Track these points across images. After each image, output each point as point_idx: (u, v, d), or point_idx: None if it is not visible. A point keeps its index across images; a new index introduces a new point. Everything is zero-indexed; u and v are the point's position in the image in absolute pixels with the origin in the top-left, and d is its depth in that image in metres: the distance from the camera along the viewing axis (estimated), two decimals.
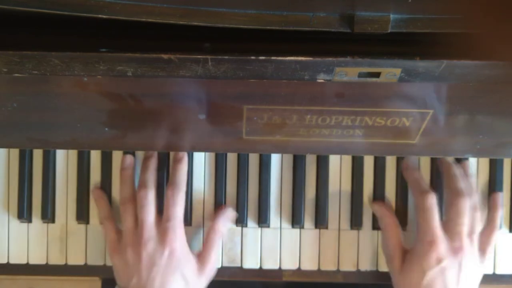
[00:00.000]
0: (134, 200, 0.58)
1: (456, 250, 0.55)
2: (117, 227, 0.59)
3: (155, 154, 0.60)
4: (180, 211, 0.57)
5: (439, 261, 0.54)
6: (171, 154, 0.61)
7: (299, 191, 0.62)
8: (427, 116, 0.51)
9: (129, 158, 0.60)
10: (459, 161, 0.62)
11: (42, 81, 0.47)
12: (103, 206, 0.60)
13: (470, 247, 0.56)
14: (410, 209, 0.62)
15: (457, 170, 0.60)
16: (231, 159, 0.62)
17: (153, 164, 0.60)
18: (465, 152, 0.56)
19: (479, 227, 0.58)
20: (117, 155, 0.61)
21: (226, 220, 0.60)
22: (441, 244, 0.55)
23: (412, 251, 0.57)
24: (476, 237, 0.57)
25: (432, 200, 0.57)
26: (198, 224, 0.62)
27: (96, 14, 0.40)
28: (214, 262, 0.59)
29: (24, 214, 0.61)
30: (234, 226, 0.62)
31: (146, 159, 0.60)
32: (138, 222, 0.57)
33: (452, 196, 0.58)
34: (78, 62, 0.42)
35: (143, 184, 0.58)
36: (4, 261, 0.61)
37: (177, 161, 0.59)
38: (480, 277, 0.58)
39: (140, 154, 0.61)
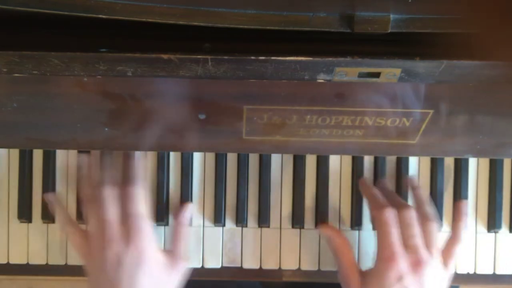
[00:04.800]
0: (95, 199, 0.56)
1: (415, 264, 0.53)
2: (80, 230, 0.57)
3: (113, 152, 0.58)
4: (140, 207, 0.55)
5: (399, 278, 0.52)
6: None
7: (299, 191, 0.62)
8: (427, 116, 0.51)
9: (84, 157, 0.59)
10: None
11: (42, 81, 0.47)
12: (61, 210, 0.59)
13: (429, 259, 0.53)
14: None
15: (423, 193, 0.59)
16: (231, 159, 0.62)
17: (111, 161, 0.58)
18: (465, 152, 0.56)
19: (436, 239, 0.55)
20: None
21: (187, 213, 0.60)
22: (400, 260, 0.52)
23: (372, 271, 0.55)
24: (435, 250, 0.55)
25: (389, 214, 0.54)
26: (198, 224, 0.62)
27: (96, 14, 0.40)
28: (184, 255, 0.57)
29: (24, 214, 0.61)
30: (234, 226, 0.62)
31: (103, 157, 0.58)
32: (101, 223, 0.55)
33: (397, 211, 0.56)
34: (78, 62, 0.42)
35: (101, 182, 0.56)
36: (4, 261, 0.61)
37: (128, 157, 0.58)
38: (447, 283, 0.56)
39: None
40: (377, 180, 0.62)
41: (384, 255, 0.53)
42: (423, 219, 0.56)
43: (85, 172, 0.59)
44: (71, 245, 0.59)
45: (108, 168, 0.58)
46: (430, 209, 0.57)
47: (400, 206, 0.56)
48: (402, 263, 0.52)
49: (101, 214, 0.54)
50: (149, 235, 0.55)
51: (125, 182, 0.57)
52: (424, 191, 0.61)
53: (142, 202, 0.56)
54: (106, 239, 0.53)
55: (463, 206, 0.60)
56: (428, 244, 0.55)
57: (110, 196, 0.55)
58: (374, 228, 0.62)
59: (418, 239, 0.54)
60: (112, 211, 0.55)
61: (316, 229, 0.62)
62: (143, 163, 0.59)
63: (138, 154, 0.59)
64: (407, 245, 0.54)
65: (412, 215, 0.55)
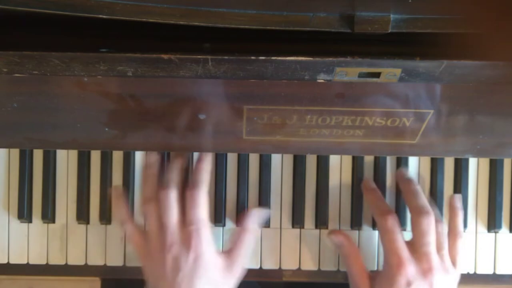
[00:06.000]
0: (157, 200, 0.56)
1: (425, 271, 0.53)
2: (140, 230, 0.58)
3: (183, 154, 0.59)
4: (202, 212, 0.55)
5: (408, 284, 0.52)
6: (196, 154, 0.60)
7: (299, 191, 0.62)
8: (427, 116, 0.51)
9: (153, 156, 0.59)
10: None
11: (42, 81, 0.47)
12: (122, 207, 0.59)
13: (440, 264, 0.54)
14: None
15: (416, 185, 0.58)
16: (231, 159, 0.62)
17: (178, 163, 0.58)
18: (465, 152, 0.56)
19: (446, 240, 0.56)
20: (118, 155, 0.61)
21: (257, 219, 0.59)
22: (409, 267, 0.53)
23: (380, 276, 0.56)
24: (445, 252, 0.55)
25: (393, 221, 0.55)
26: None
27: (96, 14, 0.40)
28: (243, 260, 0.57)
29: (24, 214, 0.61)
30: (234, 226, 0.62)
31: (172, 158, 0.58)
32: (162, 226, 0.55)
33: (414, 215, 0.56)
34: (78, 62, 0.42)
35: (165, 184, 0.56)
36: (4, 261, 0.61)
37: (199, 160, 0.58)
38: (455, 284, 0.56)
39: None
40: (399, 169, 0.61)
41: (391, 261, 0.54)
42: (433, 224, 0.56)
43: (153, 171, 0.58)
44: (129, 243, 0.60)
45: (174, 170, 0.58)
46: (434, 208, 0.57)
47: (419, 212, 0.56)
48: (410, 268, 0.53)
49: (163, 216, 0.55)
50: (209, 240, 0.55)
51: (190, 185, 0.56)
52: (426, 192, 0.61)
53: (204, 207, 0.56)
54: (166, 242, 0.54)
55: (455, 201, 0.60)
56: (438, 247, 0.55)
57: (173, 199, 0.55)
58: (374, 228, 0.62)
59: (431, 247, 0.54)
60: (174, 214, 0.55)
61: (317, 229, 0.62)
62: (209, 167, 0.59)
63: (209, 159, 0.59)
64: (420, 252, 0.54)
65: (430, 222, 0.55)
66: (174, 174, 0.57)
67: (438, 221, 0.56)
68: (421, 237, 0.55)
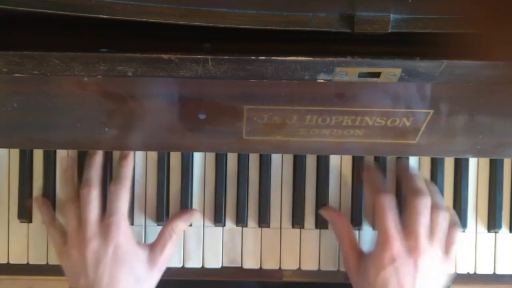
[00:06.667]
0: (77, 199, 0.57)
1: (411, 249, 0.53)
2: (61, 229, 0.58)
3: (100, 152, 0.59)
4: (123, 206, 0.56)
5: (392, 260, 0.53)
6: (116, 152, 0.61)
7: (299, 191, 0.62)
8: (427, 116, 0.51)
9: (70, 159, 0.60)
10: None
11: (42, 81, 0.47)
12: (46, 211, 0.60)
13: (428, 247, 0.54)
14: None
15: (415, 171, 0.59)
16: (231, 159, 0.62)
17: (97, 161, 0.58)
18: (465, 152, 0.56)
19: (441, 228, 0.56)
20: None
21: (185, 219, 0.59)
22: (395, 243, 0.53)
23: (370, 253, 0.56)
24: (437, 238, 0.55)
25: (387, 199, 0.56)
26: (198, 224, 0.62)
27: (96, 14, 0.40)
28: (168, 254, 0.57)
29: (24, 214, 0.61)
30: (234, 226, 0.62)
31: (90, 157, 0.59)
32: (81, 221, 0.55)
33: (408, 195, 0.56)
34: (78, 62, 0.42)
35: (86, 183, 0.56)
36: (4, 261, 0.61)
37: (122, 157, 0.59)
38: (445, 278, 0.56)
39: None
40: (399, 162, 0.62)
41: (380, 238, 0.55)
42: (432, 208, 0.56)
43: (70, 173, 0.59)
44: (51, 244, 0.60)
45: (92, 168, 0.58)
46: (440, 198, 0.58)
47: (416, 192, 0.56)
48: (396, 246, 0.53)
49: (83, 213, 0.55)
50: (129, 232, 0.55)
51: (115, 180, 0.57)
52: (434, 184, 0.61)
53: (125, 201, 0.56)
54: (86, 237, 0.54)
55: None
56: (431, 233, 0.55)
57: (93, 195, 0.56)
58: (374, 228, 0.62)
59: (421, 227, 0.54)
60: (94, 210, 0.55)
61: (317, 229, 0.62)
62: (131, 164, 0.59)
63: (132, 156, 0.59)
64: (409, 230, 0.54)
65: (423, 203, 0.55)
66: (93, 172, 0.58)
67: (437, 209, 0.56)
68: (412, 215, 0.55)
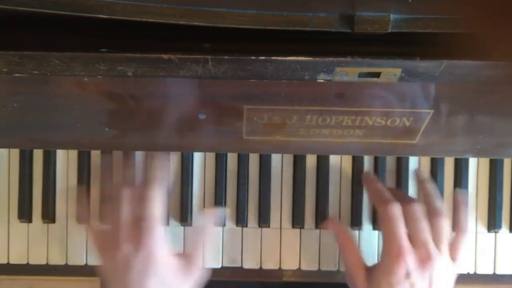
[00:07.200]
0: (115, 200, 0.55)
1: (423, 259, 0.52)
2: (97, 229, 0.57)
3: (133, 153, 0.58)
4: (156, 210, 0.54)
5: (408, 275, 0.51)
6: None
7: (299, 191, 0.62)
8: (427, 116, 0.51)
9: (109, 157, 0.59)
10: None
11: (42, 81, 0.47)
12: (84, 208, 0.59)
13: (438, 255, 0.52)
14: None
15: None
16: (231, 159, 0.62)
17: (132, 162, 0.58)
18: (465, 152, 0.56)
19: (446, 234, 0.55)
20: (117, 154, 0.61)
21: (212, 218, 0.59)
22: (408, 256, 0.51)
23: (378, 266, 0.54)
24: (444, 246, 0.54)
25: (395, 209, 0.53)
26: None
27: (96, 14, 0.40)
28: (200, 262, 0.56)
29: (24, 214, 0.61)
30: (234, 226, 0.62)
31: (126, 158, 0.58)
32: (115, 224, 0.54)
33: (403, 206, 0.54)
34: (78, 62, 0.42)
35: (121, 183, 0.56)
36: (4, 261, 0.61)
37: (153, 158, 0.58)
38: (453, 280, 0.55)
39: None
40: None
41: (391, 251, 0.52)
42: (432, 214, 0.55)
43: (107, 172, 0.59)
44: (90, 243, 0.60)
45: (128, 169, 0.57)
46: (439, 203, 0.56)
47: (406, 201, 0.55)
48: (409, 258, 0.51)
49: (116, 215, 0.54)
50: (161, 238, 0.53)
51: (146, 183, 0.56)
52: (433, 185, 0.60)
53: (157, 204, 0.54)
54: (118, 240, 0.52)
55: (460, 196, 0.58)
56: (436, 240, 0.53)
57: (126, 197, 0.54)
58: (374, 228, 0.62)
59: (426, 234, 0.53)
60: (126, 212, 0.54)
61: (317, 229, 0.62)
62: (166, 165, 0.58)
63: (164, 156, 0.58)
64: (415, 240, 0.53)
65: (418, 209, 0.54)
66: (128, 172, 0.57)
67: (437, 214, 0.55)
68: (412, 224, 0.53)
